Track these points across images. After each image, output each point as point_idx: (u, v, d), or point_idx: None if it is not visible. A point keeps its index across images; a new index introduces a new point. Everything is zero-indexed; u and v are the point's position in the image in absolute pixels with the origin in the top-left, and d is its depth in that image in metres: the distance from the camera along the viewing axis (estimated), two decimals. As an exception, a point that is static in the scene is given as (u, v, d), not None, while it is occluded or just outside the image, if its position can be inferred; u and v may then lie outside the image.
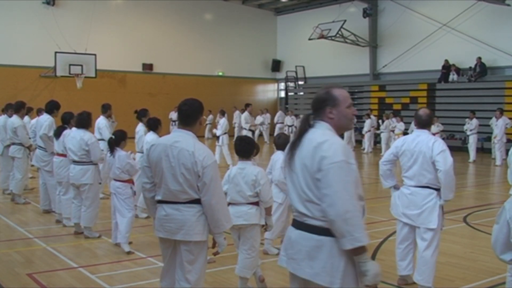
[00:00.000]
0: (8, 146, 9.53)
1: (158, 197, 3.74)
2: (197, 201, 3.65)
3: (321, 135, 2.75)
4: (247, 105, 18.57)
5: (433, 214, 4.75)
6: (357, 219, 2.60)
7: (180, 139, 3.65)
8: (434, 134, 17.23)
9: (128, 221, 6.27)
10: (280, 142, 6.27)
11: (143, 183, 3.81)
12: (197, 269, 3.72)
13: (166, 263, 3.86)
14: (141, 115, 8.60)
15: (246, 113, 18.42)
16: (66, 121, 7.77)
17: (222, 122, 14.79)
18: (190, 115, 3.70)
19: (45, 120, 8.35)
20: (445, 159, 4.63)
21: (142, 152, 8.13)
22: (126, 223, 6.24)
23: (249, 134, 15.77)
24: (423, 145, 4.71)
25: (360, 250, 2.61)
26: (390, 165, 5.08)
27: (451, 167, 4.66)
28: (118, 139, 6.42)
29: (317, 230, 2.71)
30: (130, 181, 6.46)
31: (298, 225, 2.81)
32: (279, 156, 6.11)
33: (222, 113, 16.25)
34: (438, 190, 4.78)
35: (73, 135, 6.97)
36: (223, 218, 3.67)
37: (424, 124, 4.91)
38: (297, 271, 2.76)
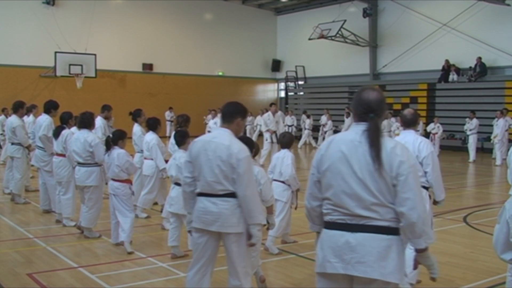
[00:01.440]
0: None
1: (198, 190, 3.99)
2: (232, 195, 3.85)
3: (388, 139, 2.82)
4: (271, 104, 16.06)
5: None
6: (428, 219, 2.80)
7: (218, 135, 3.95)
8: (434, 134, 17.08)
9: (131, 220, 6.26)
10: (285, 141, 6.32)
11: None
12: (243, 259, 3.96)
13: (197, 254, 4.08)
14: (136, 115, 8.60)
15: (268, 114, 15.39)
16: (65, 121, 7.76)
17: (218, 121, 14.92)
18: (228, 115, 3.99)
19: (44, 121, 8.34)
20: (433, 161, 4.66)
21: (141, 152, 8.15)
22: (130, 223, 6.24)
23: (268, 136, 15.13)
24: (410, 146, 4.66)
25: (427, 247, 2.82)
26: None
27: (439, 168, 4.71)
28: (116, 138, 6.36)
29: (387, 231, 2.74)
30: (129, 181, 6.40)
31: (357, 228, 2.75)
32: (285, 154, 6.15)
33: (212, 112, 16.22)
34: (426, 188, 4.76)
35: (77, 137, 6.91)
36: (256, 210, 3.84)
37: (409, 123, 4.92)
38: (369, 273, 2.70)
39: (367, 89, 2.89)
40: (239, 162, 3.76)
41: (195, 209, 4.00)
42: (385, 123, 19.59)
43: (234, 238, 3.90)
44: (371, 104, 2.81)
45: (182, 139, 6.11)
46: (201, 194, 3.96)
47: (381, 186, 2.71)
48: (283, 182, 6.13)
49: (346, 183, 2.76)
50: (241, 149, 3.83)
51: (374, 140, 2.73)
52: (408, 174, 2.70)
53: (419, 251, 2.83)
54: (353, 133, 2.82)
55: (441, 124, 19.47)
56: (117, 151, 6.28)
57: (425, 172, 4.66)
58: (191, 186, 4.02)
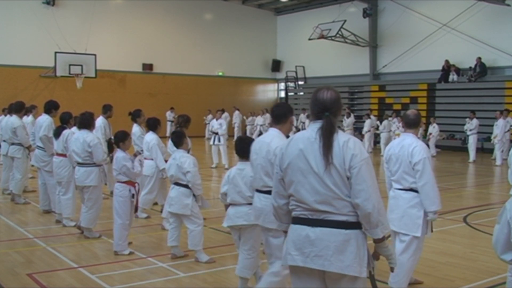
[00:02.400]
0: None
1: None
2: None
3: (342, 134, 2.91)
4: None
5: (417, 221, 4.59)
6: (384, 209, 2.85)
7: (267, 135, 4.26)
8: (430, 134, 17.05)
9: (118, 227, 6.09)
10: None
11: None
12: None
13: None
14: (135, 116, 8.59)
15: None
16: (65, 121, 7.77)
17: (223, 122, 15.04)
18: (281, 116, 4.26)
19: (44, 121, 8.34)
20: (423, 167, 4.51)
21: (141, 152, 8.15)
22: (117, 230, 6.10)
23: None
24: (405, 149, 4.65)
25: (383, 237, 2.89)
26: (388, 173, 4.93)
27: (431, 176, 4.53)
28: (118, 140, 6.28)
29: (344, 225, 2.82)
30: (130, 183, 6.22)
31: (317, 222, 2.85)
32: None
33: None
34: None
35: (77, 137, 6.91)
36: None
37: (411, 124, 4.83)
38: (326, 266, 2.80)
39: (322, 89, 2.98)
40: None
41: None
42: (385, 123, 19.61)
43: (271, 233, 4.14)
44: (326, 103, 2.92)
45: (178, 140, 6.08)
46: (256, 190, 4.29)
47: (336, 179, 2.81)
48: None
49: (305, 179, 2.87)
50: (279, 145, 3.88)
51: (325, 137, 2.83)
52: (361, 166, 2.79)
53: (377, 242, 2.89)
54: (310, 130, 2.93)
55: (441, 124, 19.46)
56: (116, 154, 6.22)
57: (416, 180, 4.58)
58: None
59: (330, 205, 2.82)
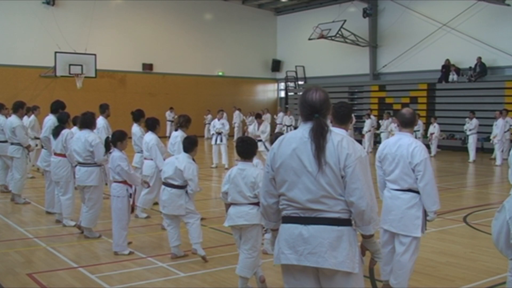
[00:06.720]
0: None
1: None
2: None
3: (335, 134, 2.94)
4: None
5: (415, 222, 4.57)
6: (376, 206, 2.90)
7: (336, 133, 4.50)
8: (431, 134, 16.96)
9: (116, 228, 6.09)
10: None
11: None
12: None
13: None
14: (139, 116, 8.57)
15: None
16: (64, 121, 7.77)
17: (225, 121, 15.07)
18: (344, 116, 4.23)
19: (47, 122, 8.37)
20: (425, 168, 4.48)
21: (141, 153, 8.14)
22: (116, 231, 6.10)
23: None
24: (404, 149, 4.56)
25: (373, 233, 2.95)
26: (381, 172, 4.89)
27: (431, 176, 4.52)
28: (115, 140, 6.27)
29: (337, 222, 2.86)
30: (127, 183, 6.21)
31: (310, 220, 2.87)
32: None
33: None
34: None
35: (78, 137, 6.91)
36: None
37: (407, 123, 4.73)
38: (320, 263, 2.82)
39: (311, 90, 2.97)
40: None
41: None
42: (387, 122, 19.62)
43: None
44: (315, 105, 2.93)
45: (190, 146, 6.02)
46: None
47: (331, 178, 2.83)
48: None
49: (299, 178, 2.88)
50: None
51: (317, 139, 2.85)
52: (355, 166, 2.83)
53: (366, 237, 2.94)
54: (302, 130, 2.94)
55: (441, 124, 19.43)
56: (113, 153, 6.22)
57: (416, 178, 4.53)
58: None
59: (322, 203, 2.84)
